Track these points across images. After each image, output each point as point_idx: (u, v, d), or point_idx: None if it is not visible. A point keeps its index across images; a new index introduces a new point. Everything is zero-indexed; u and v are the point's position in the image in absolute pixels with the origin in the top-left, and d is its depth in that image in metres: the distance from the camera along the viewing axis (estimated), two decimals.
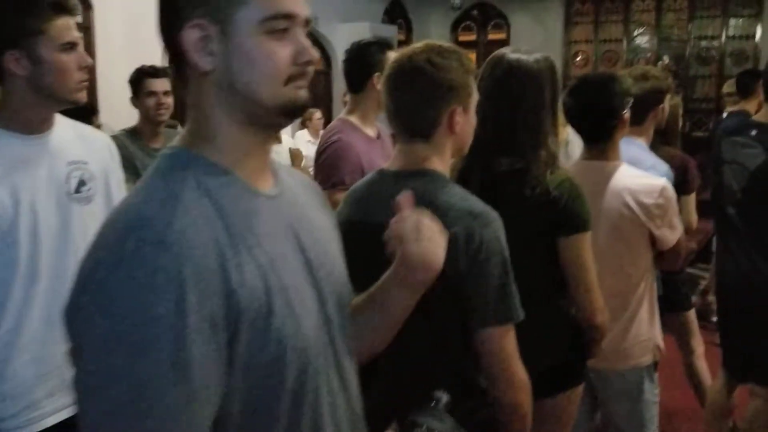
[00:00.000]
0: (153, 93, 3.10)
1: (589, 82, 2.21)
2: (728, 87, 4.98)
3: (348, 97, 2.68)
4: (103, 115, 5.26)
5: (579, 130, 2.20)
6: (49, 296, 1.59)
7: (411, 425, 1.01)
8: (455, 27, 10.48)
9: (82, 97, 1.61)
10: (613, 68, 9.03)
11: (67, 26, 1.55)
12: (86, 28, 7.23)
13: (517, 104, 1.77)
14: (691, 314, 3.27)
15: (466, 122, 1.46)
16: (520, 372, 1.37)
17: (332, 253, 1.07)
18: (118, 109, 4.71)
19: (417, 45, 1.47)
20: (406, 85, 1.43)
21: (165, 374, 0.78)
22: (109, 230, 0.85)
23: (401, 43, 9.76)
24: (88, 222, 1.67)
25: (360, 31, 8.68)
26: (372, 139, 2.57)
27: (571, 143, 3.07)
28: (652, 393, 2.24)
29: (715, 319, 4.09)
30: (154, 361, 0.78)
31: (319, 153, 2.54)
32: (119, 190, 1.81)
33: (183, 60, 0.91)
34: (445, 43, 1.48)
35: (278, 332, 0.88)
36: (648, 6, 9.40)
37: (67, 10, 1.56)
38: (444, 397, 1.06)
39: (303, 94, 0.93)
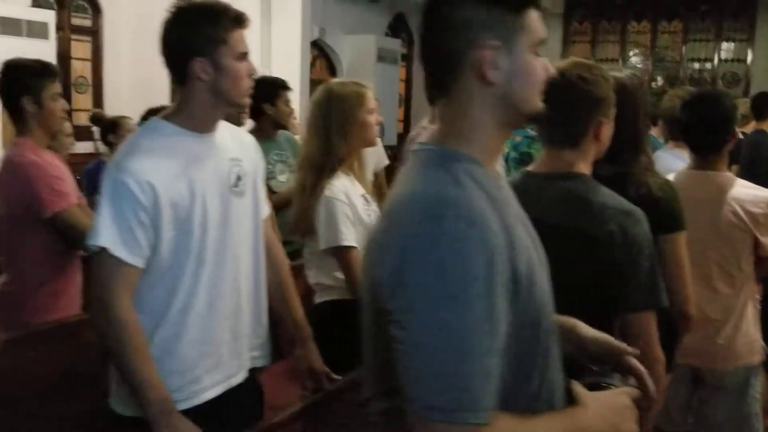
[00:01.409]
0: None
1: (705, 98, 2.38)
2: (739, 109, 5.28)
3: None
4: None
5: (690, 141, 2.36)
6: (212, 281, 1.74)
7: (594, 385, 1.19)
8: None
9: (248, 102, 1.79)
10: None
11: (242, 38, 1.71)
12: (94, 32, 7.29)
13: (618, 116, 1.97)
14: None
15: (607, 130, 1.66)
16: (659, 350, 1.57)
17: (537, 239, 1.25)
18: (123, 112, 4.80)
19: (565, 62, 1.66)
20: (559, 98, 1.61)
21: (482, 326, 0.95)
22: (413, 211, 1.01)
23: (404, 57, 9.98)
24: (241, 214, 1.82)
25: (365, 43, 8.90)
26: None
27: None
28: (756, 391, 2.38)
29: None
30: (475, 315, 0.95)
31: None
32: (262, 185, 1.96)
33: (455, 70, 1.07)
34: (588, 60, 1.68)
35: (538, 300, 1.07)
36: (644, 27, 9.76)
37: (243, 23, 1.72)
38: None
39: (542, 102, 1.13)
